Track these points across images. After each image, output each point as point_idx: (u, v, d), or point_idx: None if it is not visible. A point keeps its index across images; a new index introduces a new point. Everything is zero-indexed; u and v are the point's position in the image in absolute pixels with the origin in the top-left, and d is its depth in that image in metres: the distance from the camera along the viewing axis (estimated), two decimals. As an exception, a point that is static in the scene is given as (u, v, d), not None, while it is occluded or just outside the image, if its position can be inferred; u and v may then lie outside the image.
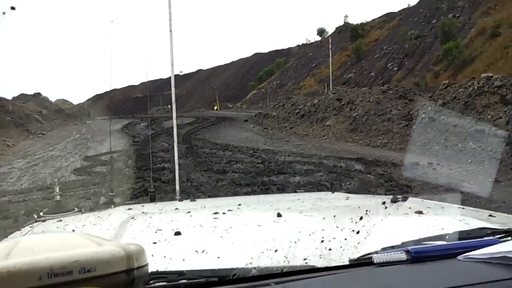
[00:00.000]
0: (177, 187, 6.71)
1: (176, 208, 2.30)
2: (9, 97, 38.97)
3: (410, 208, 1.78)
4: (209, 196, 8.50)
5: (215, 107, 64.20)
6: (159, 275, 1.00)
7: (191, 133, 23.29)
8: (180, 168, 12.89)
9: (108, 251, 0.53)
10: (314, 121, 20.34)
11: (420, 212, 1.68)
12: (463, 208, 1.88)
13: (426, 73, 46.68)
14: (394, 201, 1.82)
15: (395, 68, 52.73)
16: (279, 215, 1.71)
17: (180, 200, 3.38)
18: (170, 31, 6.46)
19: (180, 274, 1.01)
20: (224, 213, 1.86)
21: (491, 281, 0.84)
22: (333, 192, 3.30)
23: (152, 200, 3.12)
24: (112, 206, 2.56)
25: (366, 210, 1.55)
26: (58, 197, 2.32)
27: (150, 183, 8.70)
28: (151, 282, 0.96)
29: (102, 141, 21.41)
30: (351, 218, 1.47)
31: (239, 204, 2.11)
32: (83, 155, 16.62)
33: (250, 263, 1.13)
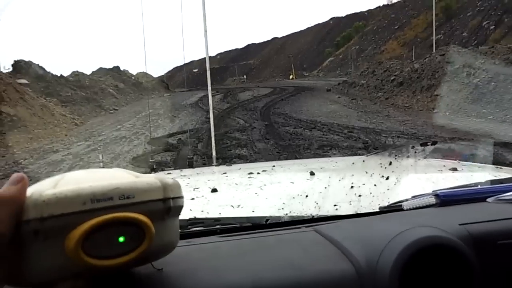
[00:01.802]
0: (214, 153, 7.19)
1: (213, 171, 2.28)
2: (88, 72, 38.20)
3: (444, 166, 1.71)
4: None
5: (291, 76, 60.93)
6: (196, 221, 1.03)
7: (270, 106, 20.14)
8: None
9: (145, 181, 0.54)
10: (418, 90, 16.31)
11: (454, 169, 1.62)
12: (500, 168, 1.71)
13: (530, 30, 39.88)
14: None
15: (492, 27, 45.87)
16: (312, 173, 1.69)
17: (217, 165, 3.10)
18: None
19: (217, 220, 1.04)
20: (258, 173, 1.85)
21: None
22: (367, 156, 2.32)
23: (190, 166, 3.44)
24: (152, 172, 2.46)
25: (395, 156, 1.44)
26: (101, 164, 1.40)
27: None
28: (189, 226, 0.97)
29: (173, 117, 18.91)
30: (380, 164, 1.40)
31: (273, 166, 2.09)
32: (149, 136, 14.12)
33: (282, 208, 1.18)
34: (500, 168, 1.74)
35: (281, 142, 11.18)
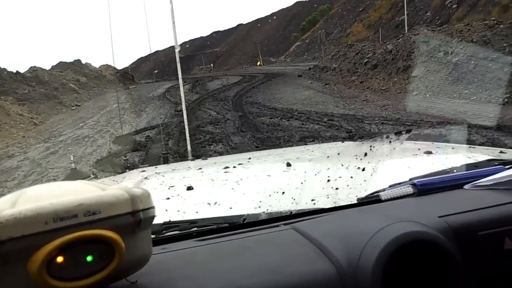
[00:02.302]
0: (189, 147, 6.86)
1: (188, 167, 2.24)
2: (48, 67, 36.16)
3: (419, 149, 1.71)
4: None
5: (258, 63, 60.06)
6: (171, 224, 1.00)
7: (241, 95, 19.18)
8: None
9: (111, 194, 0.52)
10: (394, 72, 15.69)
11: (429, 152, 1.62)
12: (473, 147, 1.77)
13: (492, 8, 40.09)
14: (397, 133, 1.58)
15: (455, 5, 46.06)
16: (288, 164, 1.66)
17: (192, 159, 3.12)
18: None
19: (192, 222, 1.01)
20: (234, 167, 1.81)
21: (497, 204, 0.80)
22: (343, 141, 2.91)
23: (165, 161, 3.13)
24: (127, 170, 2.42)
25: (370, 146, 1.43)
26: (73, 165, 2.51)
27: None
28: (163, 231, 0.94)
29: (140, 111, 17.72)
30: (356, 155, 1.36)
31: (249, 158, 2.06)
32: (115, 133, 12.99)
33: (259, 206, 1.14)
34: (473, 147, 1.75)
35: (258, 135, 10.32)
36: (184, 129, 12.39)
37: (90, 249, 0.50)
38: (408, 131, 1.72)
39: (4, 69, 23.59)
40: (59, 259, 0.47)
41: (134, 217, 0.54)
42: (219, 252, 0.76)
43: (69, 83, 27.70)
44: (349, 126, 10.00)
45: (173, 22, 7.85)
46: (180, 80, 8.98)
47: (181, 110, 16.92)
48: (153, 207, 0.60)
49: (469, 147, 1.77)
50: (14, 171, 9.45)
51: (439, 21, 40.84)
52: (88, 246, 0.49)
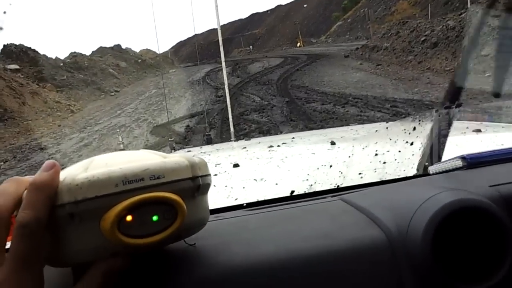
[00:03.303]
0: (232, 128, 7.22)
1: (233, 147, 2.24)
2: (88, 52, 35.79)
3: (467, 127, 1.66)
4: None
5: (298, 44, 58.18)
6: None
7: (286, 78, 17.75)
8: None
9: (173, 161, 0.55)
10: (459, 50, 13.83)
11: (478, 131, 1.58)
12: None
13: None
14: (447, 107, 1.29)
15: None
16: (332, 143, 1.65)
17: (236, 140, 3.10)
18: None
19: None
20: (278, 146, 1.83)
21: None
22: (387, 122, 2.62)
23: (209, 142, 3.33)
24: (172, 151, 2.45)
25: (419, 120, 1.29)
26: (121, 146, 1.35)
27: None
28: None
29: (180, 97, 16.66)
30: (404, 129, 1.28)
31: (293, 138, 2.07)
32: (152, 122, 11.95)
33: (307, 179, 1.15)
34: None
35: (311, 125, 8.95)
36: (227, 117, 11.23)
37: (156, 209, 0.52)
38: (459, 105, 1.36)
39: (44, 55, 23.10)
40: (128, 218, 0.50)
41: (194, 182, 0.56)
42: (269, 220, 0.76)
43: (109, 68, 27.06)
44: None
45: (216, 6, 7.78)
46: (223, 62, 8.65)
47: (222, 96, 15.80)
48: (209, 175, 0.62)
49: None
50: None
51: None
52: (153, 207, 0.52)
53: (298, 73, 19.18)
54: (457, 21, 15.21)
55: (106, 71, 25.80)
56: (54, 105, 15.93)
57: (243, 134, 8.93)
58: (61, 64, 22.69)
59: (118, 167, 0.51)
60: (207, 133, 7.52)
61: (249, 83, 17.94)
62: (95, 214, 0.50)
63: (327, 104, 10.91)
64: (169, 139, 3.41)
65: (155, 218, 0.53)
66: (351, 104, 10.50)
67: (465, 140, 1.50)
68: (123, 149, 2.44)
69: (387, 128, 1.55)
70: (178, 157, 0.57)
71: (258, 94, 14.34)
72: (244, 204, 0.92)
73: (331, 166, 1.22)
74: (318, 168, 1.23)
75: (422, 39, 16.70)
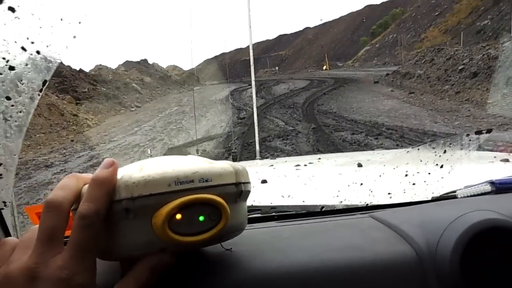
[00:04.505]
0: (257, 147, 7.02)
1: (260, 165, 2.24)
2: (114, 66, 35.61)
3: (495, 157, 1.71)
4: None
5: (324, 67, 57.53)
6: (253, 208, 1.06)
7: (312, 102, 16.77)
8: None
9: (220, 166, 0.58)
10: (502, 82, 12.64)
11: (506, 160, 1.59)
12: None
13: None
14: (478, 132, 1.47)
15: (548, 9, 41.03)
16: (359, 165, 1.67)
17: (261, 159, 3.01)
18: None
19: (273, 207, 1.07)
20: (305, 165, 1.84)
21: None
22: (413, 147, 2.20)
23: (234, 160, 3.30)
24: None
25: (450, 143, 1.40)
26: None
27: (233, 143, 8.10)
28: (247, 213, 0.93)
29: (200, 116, 15.84)
30: (435, 152, 1.31)
31: (319, 158, 2.09)
32: (168, 143, 11.10)
33: (337, 196, 1.17)
34: None
35: (341, 157, 7.92)
36: (247, 143, 10.31)
37: (202, 210, 0.55)
38: (489, 131, 1.48)
39: (68, 66, 22.72)
40: (178, 216, 0.53)
41: (237, 188, 0.58)
42: (301, 232, 0.77)
43: (132, 82, 26.61)
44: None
45: (250, 26, 7.60)
46: (253, 81, 8.58)
47: (244, 118, 14.92)
48: (250, 182, 0.63)
49: None
50: (42, 190, 7.68)
51: (529, 26, 36.30)
52: (201, 208, 0.54)
53: (325, 97, 18.19)
54: (500, 50, 14.04)
55: (129, 86, 25.32)
56: (71, 118, 15.30)
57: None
58: (84, 76, 22.23)
59: (171, 169, 0.53)
60: (233, 151, 7.48)
61: (273, 105, 17.03)
62: (148, 210, 0.52)
63: (358, 134, 9.87)
64: (197, 155, 2.66)
65: (201, 218, 0.55)
66: (385, 136, 9.42)
67: (493, 168, 1.50)
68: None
69: (418, 149, 1.48)
70: (224, 163, 0.58)
71: (283, 118, 13.38)
72: (275, 217, 0.92)
73: (361, 184, 1.22)
74: (348, 185, 1.23)
75: (460, 67, 15.55)
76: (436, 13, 56.63)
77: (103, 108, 18.77)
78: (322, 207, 1.02)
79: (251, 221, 0.88)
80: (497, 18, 46.77)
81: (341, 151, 8.45)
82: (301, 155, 8.64)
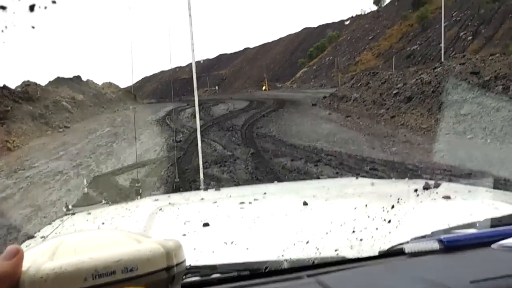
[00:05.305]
0: (201, 175, 6.64)
1: (202, 198, 2.18)
2: (44, 82, 33.56)
3: (437, 193, 1.70)
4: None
5: (264, 87, 58.03)
6: (192, 270, 0.97)
7: (251, 124, 16.42)
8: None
9: (148, 248, 0.51)
10: (435, 107, 12.94)
11: (447, 197, 1.59)
12: (490, 191, 1.72)
13: (509, 41, 37.85)
14: (426, 188, 1.64)
15: (470, 37, 44.02)
16: (305, 203, 1.63)
17: (205, 189, 2.96)
18: (189, 15, 6.27)
19: (213, 268, 0.99)
20: (250, 202, 1.78)
21: None
22: (357, 178, 2.83)
23: (177, 190, 3.03)
24: (138, 197, 2.47)
25: (398, 198, 1.46)
26: (85, 190, 2.43)
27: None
28: (184, 276, 0.91)
29: (133, 138, 14.96)
30: (383, 207, 1.39)
31: (264, 193, 2.00)
32: (95, 170, 10.20)
33: (282, 255, 1.10)
34: (490, 191, 1.70)
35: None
36: (183, 170, 9.67)
37: None
38: (437, 185, 1.61)
39: (-11, 83, 20.92)
40: None
41: (168, 273, 0.52)
42: None
43: (63, 100, 24.98)
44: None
45: (192, 43, 7.14)
46: (196, 100, 7.90)
47: (180, 141, 14.23)
48: (184, 261, 0.58)
49: (486, 190, 1.71)
50: None
51: (454, 53, 38.65)
52: None
53: (264, 119, 17.92)
54: (434, 75, 14.48)
55: (59, 104, 23.76)
56: (-12, 141, 13.87)
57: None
58: (7, 93, 20.54)
59: (88, 256, 0.46)
60: (176, 180, 7.15)
61: (211, 127, 16.49)
62: None
63: (297, 161, 9.54)
64: (136, 184, 3.14)
65: None
66: (324, 163, 9.16)
67: (435, 208, 1.49)
68: (87, 193, 2.33)
69: (366, 205, 1.49)
70: (153, 243, 0.52)
71: (221, 141, 12.87)
72: (216, 280, 0.87)
73: (307, 242, 1.18)
74: (294, 244, 1.17)
75: (395, 91, 15.90)
76: (370, 37, 59.14)
77: (27, 128, 17.31)
78: (266, 267, 0.97)
79: (188, 286, 0.83)
80: (425, 43, 49.58)
81: (281, 180, 8.06)
82: (239, 183, 8.16)
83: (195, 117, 20.90)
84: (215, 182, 8.19)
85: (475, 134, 10.48)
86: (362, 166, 8.59)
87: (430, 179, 6.21)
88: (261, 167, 9.22)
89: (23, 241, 1.59)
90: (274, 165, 9.34)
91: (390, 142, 11.16)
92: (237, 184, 8.07)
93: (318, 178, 7.93)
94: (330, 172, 8.37)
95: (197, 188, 7.81)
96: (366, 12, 65.40)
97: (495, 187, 1.91)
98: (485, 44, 40.69)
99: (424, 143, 10.63)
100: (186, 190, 7.49)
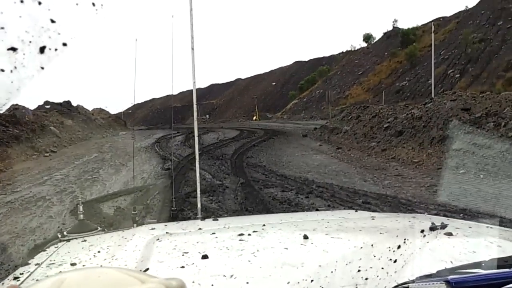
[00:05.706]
0: (199, 204, 6.39)
1: (200, 228, 2.10)
2: (33, 106, 33.18)
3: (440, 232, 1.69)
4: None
5: (254, 117, 58.34)
6: None
7: (241, 153, 16.23)
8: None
9: None
10: (426, 142, 12.88)
11: (449, 234, 1.55)
12: (491, 227, 1.70)
13: (496, 80, 38.63)
14: (432, 228, 1.58)
15: (457, 75, 44.91)
16: (305, 237, 1.62)
17: (202, 219, 2.79)
18: (192, 48, 6.16)
19: None
20: (249, 234, 1.76)
21: None
22: (356, 211, 2.78)
23: (174, 218, 3.08)
24: (135, 225, 2.37)
25: (405, 239, 1.43)
26: (81, 216, 2.21)
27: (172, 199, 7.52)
28: None
29: (121, 165, 14.64)
30: (389, 247, 1.36)
31: (264, 225, 1.97)
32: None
33: None
34: (491, 227, 1.69)
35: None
36: (169, 199, 9.37)
37: None
38: (444, 226, 1.57)
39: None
40: None
41: None
42: None
43: (51, 125, 24.65)
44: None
45: (193, 70, 6.76)
46: (195, 125, 7.62)
47: (169, 169, 13.95)
48: None
49: (487, 226, 1.71)
50: None
51: (442, 89, 39.29)
52: None
53: (254, 149, 17.74)
54: (425, 110, 14.51)
55: (46, 128, 23.39)
56: (-30, 164, 13.45)
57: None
58: (-5, 116, 20.15)
59: None
60: (173, 208, 6.99)
61: (201, 155, 16.19)
62: None
63: (288, 192, 9.31)
64: (133, 212, 2.94)
65: None
66: (315, 195, 8.94)
67: (438, 245, 1.45)
68: (83, 220, 2.15)
69: (372, 245, 1.46)
70: (155, 284, 0.50)
71: (210, 170, 12.62)
72: None
73: (312, 280, 1.16)
74: (298, 283, 1.15)
75: (385, 125, 15.89)
76: (360, 73, 59.99)
77: (12, 152, 16.88)
78: None
79: None
80: (414, 80, 50.44)
81: (271, 212, 7.81)
82: (227, 213, 7.90)
83: (184, 144, 20.73)
84: (203, 212, 7.89)
85: (468, 169, 10.37)
86: (354, 199, 8.38)
87: (426, 213, 6.01)
88: (251, 198, 8.96)
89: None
90: (264, 196, 9.08)
91: (382, 175, 11.01)
92: (226, 213, 7.80)
93: (309, 210, 7.69)
94: (322, 204, 8.14)
95: (185, 218, 7.53)
96: (356, 48, 66.58)
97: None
98: (472, 82, 41.48)
99: (417, 177, 10.49)
100: (174, 219, 7.20)
